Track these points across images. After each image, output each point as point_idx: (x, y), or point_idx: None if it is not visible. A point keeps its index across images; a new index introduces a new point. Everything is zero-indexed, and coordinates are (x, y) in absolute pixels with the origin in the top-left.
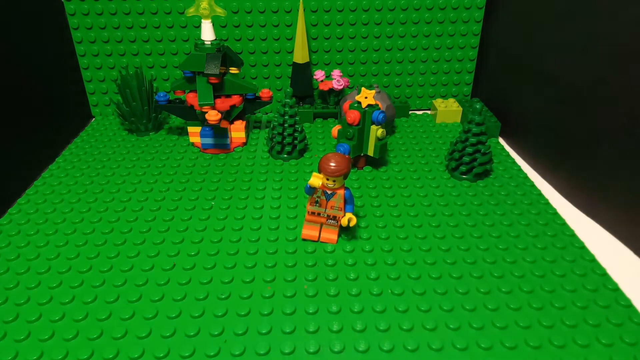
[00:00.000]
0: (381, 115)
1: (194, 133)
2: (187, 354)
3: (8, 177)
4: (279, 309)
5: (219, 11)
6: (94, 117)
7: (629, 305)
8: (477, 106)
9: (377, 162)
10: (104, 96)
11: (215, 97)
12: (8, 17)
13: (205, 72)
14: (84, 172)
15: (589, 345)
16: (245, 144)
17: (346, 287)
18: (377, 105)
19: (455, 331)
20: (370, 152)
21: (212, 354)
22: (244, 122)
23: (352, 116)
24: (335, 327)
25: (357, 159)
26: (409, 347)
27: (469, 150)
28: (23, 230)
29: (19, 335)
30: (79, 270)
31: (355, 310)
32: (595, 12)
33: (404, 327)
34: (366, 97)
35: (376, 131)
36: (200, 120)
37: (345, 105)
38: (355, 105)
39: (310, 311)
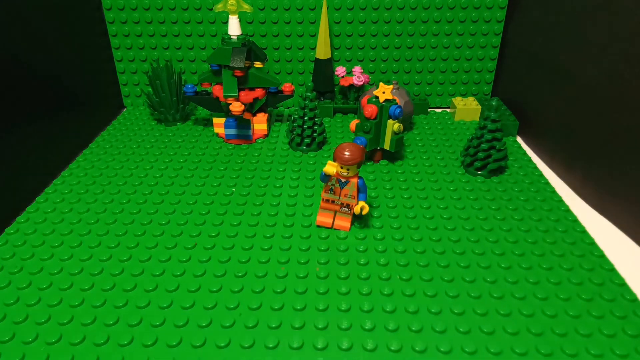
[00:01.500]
0: (398, 110)
1: (219, 124)
2: None
3: (39, 163)
4: (291, 288)
5: (246, 7)
6: (125, 107)
7: (634, 299)
8: (493, 103)
9: (393, 156)
10: (136, 87)
11: (240, 89)
12: (48, 11)
13: (231, 65)
14: (115, 158)
15: (590, 334)
16: (266, 135)
17: (356, 271)
18: (395, 100)
19: (465, 335)
20: (387, 146)
21: (222, 344)
22: (266, 115)
23: (370, 110)
24: (344, 325)
25: (374, 153)
26: (417, 349)
27: (484, 146)
28: (48, 219)
29: (27, 338)
30: (91, 272)
31: (365, 309)
32: (612, 11)
33: (413, 329)
34: (384, 92)
35: (393, 125)
36: (225, 111)
37: (364, 99)
38: (373, 99)
39: (321, 291)
